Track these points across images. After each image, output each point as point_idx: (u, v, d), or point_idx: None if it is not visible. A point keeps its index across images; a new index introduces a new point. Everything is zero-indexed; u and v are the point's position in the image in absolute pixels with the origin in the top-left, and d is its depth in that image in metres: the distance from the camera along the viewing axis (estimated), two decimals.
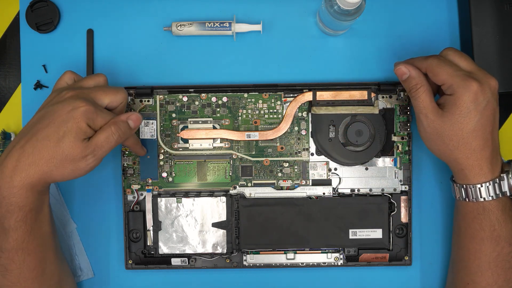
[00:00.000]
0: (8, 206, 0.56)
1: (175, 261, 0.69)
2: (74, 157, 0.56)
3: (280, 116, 0.69)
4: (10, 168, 0.56)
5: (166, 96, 0.69)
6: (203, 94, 0.69)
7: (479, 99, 0.59)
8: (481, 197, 0.61)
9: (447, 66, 0.60)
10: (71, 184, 0.71)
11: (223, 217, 0.69)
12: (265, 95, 0.69)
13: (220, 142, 0.69)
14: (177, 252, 0.69)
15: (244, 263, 0.69)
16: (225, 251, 0.69)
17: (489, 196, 0.61)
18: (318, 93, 0.68)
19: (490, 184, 0.61)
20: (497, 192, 0.61)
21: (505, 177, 0.61)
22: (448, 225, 0.71)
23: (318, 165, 0.70)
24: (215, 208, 0.69)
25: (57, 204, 0.70)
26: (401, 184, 0.69)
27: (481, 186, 0.61)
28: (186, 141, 0.69)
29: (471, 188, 0.61)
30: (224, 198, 0.69)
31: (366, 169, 0.69)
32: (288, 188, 0.70)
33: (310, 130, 0.69)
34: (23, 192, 0.56)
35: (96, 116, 0.57)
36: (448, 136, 0.60)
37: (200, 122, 0.69)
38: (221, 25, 0.70)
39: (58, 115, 0.57)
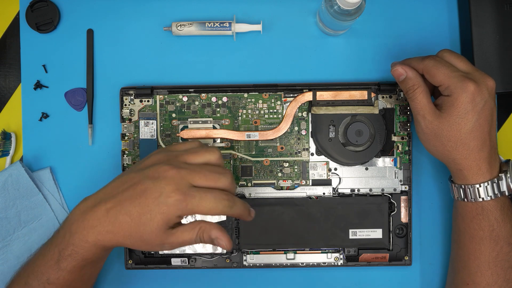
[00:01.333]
0: (73, 253, 0.55)
1: (175, 261, 0.69)
2: (152, 242, 0.55)
3: (280, 116, 0.69)
4: (90, 224, 0.54)
5: (166, 96, 0.69)
6: (203, 94, 0.69)
7: (476, 100, 0.59)
8: (479, 197, 0.61)
9: (444, 67, 0.60)
10: (72, 185, 0.71)
11: (223, 217, 0.69)
12: (265, 95, 0.69)
13: (220, 142, 0.69)
14: (177, 252, 0.69)
15: (244, 263, 0.69)
16: (225, 251, 0.69)
17: (488, 196, 0.61)
18: (318, 93, 0.68)
19: (488, 184, 0.61)
20: (496, 192, 0.61)
21: (503, 176, 0.61)
22: (448, 225, 0.71)
23: (318, 165, 0.70)
24: None
25: (57, 205, 0.70)
26: (401, 184, 0.69)
27: (480, 186, 0.61)
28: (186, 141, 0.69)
29: (469, 188, 0.61)
30: None
31: (366, 169, 0.69)
32: (288, 188, 0.70)
33: (310, 130, 0.69)
34: (93, 249, 0.55)
35: (187, 212, 0.54)
36: (446, 137, 0.60)
37: (200, 122, 0.69)
38: (221, 25, 0.70)
39: (150, 195, 0.53)
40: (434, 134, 0.61)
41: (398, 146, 0.69)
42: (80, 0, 0.71)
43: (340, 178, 0.70)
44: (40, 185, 0.70)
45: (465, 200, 0.62)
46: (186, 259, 0.69)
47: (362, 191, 0.69)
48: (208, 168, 0.56)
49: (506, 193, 0.61)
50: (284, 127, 0.69)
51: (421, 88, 0.61)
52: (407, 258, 0.69)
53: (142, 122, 0.69)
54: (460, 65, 0.61)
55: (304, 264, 0.70)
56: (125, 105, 0.69)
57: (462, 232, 0.64)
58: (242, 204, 0.56)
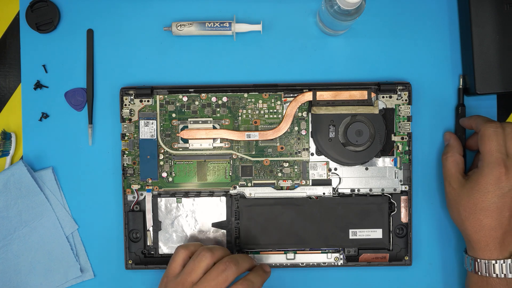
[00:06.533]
0: None
1: None
2: None
3: (280, 116, 0.69)
4: None
5: (166, 96, 0.69)
6: (203, 94, 0.69)
7: (500, 184, 0.61)
8: (486, 272, 0.62)
9: (494, 142, 0.61)
10: (72, 185, 0.71)
11: (223, 217, 0.69)
12: (265, 95, 0.69)
13: (220, 142, 0.69)
14: None
15: None
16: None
17: (494, 273, 0.61)
18: (318, 93, 0.68)
19: (496, 263, 0.61)
20: (504, 271, 0.61)
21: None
22: (448, 225, 0.71)
23: (318, 165, 0.70)
24: (215, 208, 0.69)
25: (59, 205, 0.70)
26: (401, 184, 0.69)
27: (487, 262, 0.62)
28: (186, 141, 0.69)
29: (478, 262, 0.62)
30: (224, 198, 0.69)
31: (366, 169, 0.69)
32: (288, 188, 0.70)
33: (310, 130, 0.69)
34: None
35: None
36: (463, 206, 0.63)
37: (200, 122, 0.69)
38: (221, 25, 0.70)
39: None
40: (454, 200, 0.64)
41: (398, 146, 0.69)
42: (80, 0, 0.71)
43: (340, 178, 0.70)
44: (41, 185, 0.70)
45: (473, 272, 0.63)
46: None
47: (362, 191, 0.69)
48: (211, 276, 0.60)
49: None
50: (284, 127, 0.69)
51: (453, 157, 0.66)
52: (407, 258, 0.69)
53: (142, 122, 0.69)
54: (510, 146, 0.62)
55: (304, 264, 0.70)
56: (125, 105, 0.69)
57: None
58: (259, 276, 0.63)
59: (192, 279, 0.60)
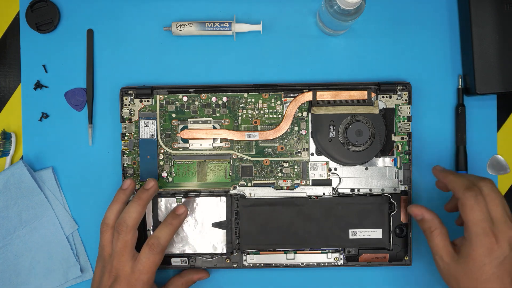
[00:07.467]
0: None
1: (175, 261, 0.69)
2: None
3: (280, 116, 0.69)
4: None
5: (166, 96, 0.69)
6: (203, 94, 0.69)
7: (495, 254, 0.57)
8: None
9: (477, 212, 0.57)
10: (72, 185, 0.71)
11: (223, 217, 0.69)
12: (265, 95, 0.69)
13: (220, 142, 0.69)
14: (177, 252, 0.69)
15: (244, 263, 0.69)
16: (225, 251, 0.69)
17: None
18: (318, 93, 0.68)
19: None
20: None
21: None
22: (448, 225, 0.71)
23: (318, 165, 0.70)
24: (215, 208, 0.69)
25: (59, 205, 0.70)
26: (401, 184, 0.69)
27: None
28: (186, 141, 0.69)
29: None
30: (224, 198, 0.69)
31: (366, 169, 0.69)
32: (288, 188, 0.70)
33: (310, 130, 0.69)
34: None
35: None
36: (463, 282, 0.58)
37: (200, 122, 0.69)
38: (221, 25, 0.70)
39: None
40: (450, 275, 0.59)
41: (398, 146, 0.69)
42: (80, 0, 0.71)
43: (340, 178, 0.70)
44: (41, 185, 0.70)
45: None
46: (186, 259, 0.69)
47: (362, 191, 0.69)
48: (114, 246, 0.63)
49: None
50: (284, 127, 0.69)
51: (437, 230, 0.60)
52: (407, 258, 0.69)
53: (142, 122, 0.69)
54: (493, 210, 0.58)
55: (304, 264, 0.70)
56: (125, 105, 0.69)
57: None
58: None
59: (107, 253, 0.64)
